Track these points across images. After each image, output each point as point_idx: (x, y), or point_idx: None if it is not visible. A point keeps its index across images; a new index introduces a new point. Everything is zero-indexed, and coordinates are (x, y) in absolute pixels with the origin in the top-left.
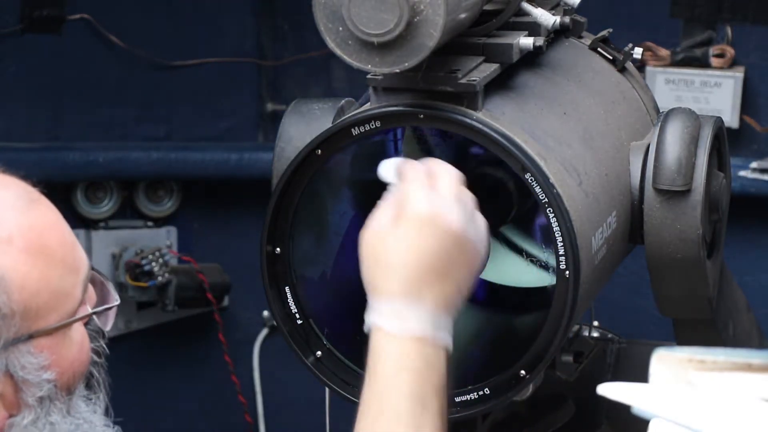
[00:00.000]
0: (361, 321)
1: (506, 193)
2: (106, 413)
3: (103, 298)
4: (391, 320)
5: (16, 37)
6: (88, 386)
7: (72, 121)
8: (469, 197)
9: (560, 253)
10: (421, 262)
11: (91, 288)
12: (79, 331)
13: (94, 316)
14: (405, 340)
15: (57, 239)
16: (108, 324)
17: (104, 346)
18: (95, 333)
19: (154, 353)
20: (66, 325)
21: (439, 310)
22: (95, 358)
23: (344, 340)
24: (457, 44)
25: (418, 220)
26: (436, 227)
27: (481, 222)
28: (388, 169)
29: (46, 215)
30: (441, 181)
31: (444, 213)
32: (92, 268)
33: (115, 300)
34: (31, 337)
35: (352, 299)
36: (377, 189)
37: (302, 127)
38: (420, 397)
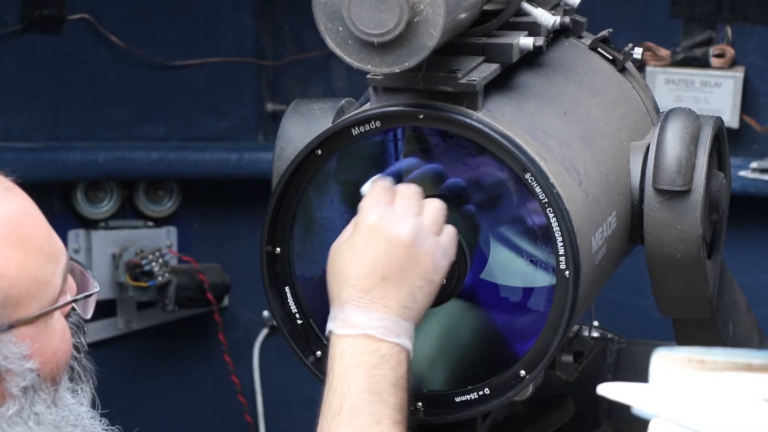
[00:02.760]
0: None
1: (506, 193)
2: (93, 406)
3: (83, 287)
4: (344, 324)
5: (16, 37)
6: (71, 379)
7: (72, 121)
8: (432, 211)
9: (560, 253)
10: (369, 269)
11: (70, 278)
12: (60, 321)
13: (74, 305)
14: (357, 339)
15: (34, 227)
16: (88, 312)
17: (83, 341)
18: (75, 327)
19: (154, 353)
20: (47, 313)
21: (391, 314)
22: (74, 353)
23: None
24: (457, 44)
25: (368, 229)
26: (384, 236)
27: (445, 237)
28: (366, 187)
29: (22, 204)
30: (399, 197)
31: (392, 224)
32: (71, 258)
33: (94, 287)
34: (11, 326)
35: None
36: None
37: (302, 127)
38: (377, 392)
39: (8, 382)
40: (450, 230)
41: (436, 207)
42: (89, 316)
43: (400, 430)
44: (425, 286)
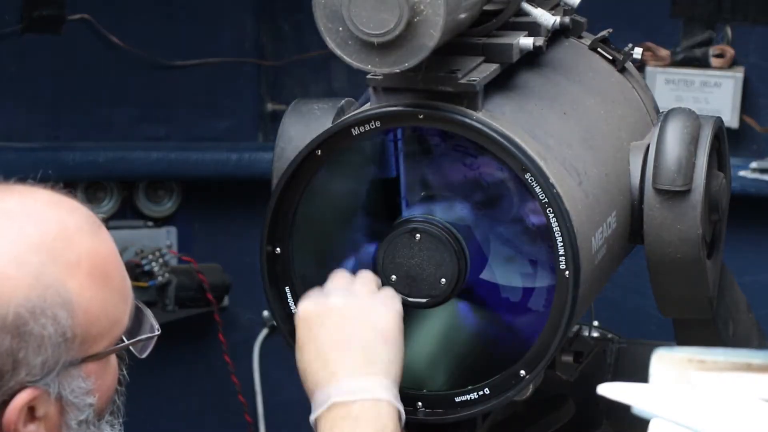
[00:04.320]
0: None
1: (506, 193)
2: None
3: (138, 325)
4: (314, 409)
5: (16, 37)
6: (111, 413)
7: (72, 121)
8: (362, 281)
9: (560, 253)
10: (317, 353)
11: None
12: (114, 358)
13: (131, 347)
14: (329, 412)
15: (116, 266)
16: (146, 352)
17: (125, 374)
18: (119, 360)
19: (153, 353)
20: (114, 351)
21: (350, 378)
22: (117, 387)
23: None
24: (457, 44)
25: (300, 321)
26: (314, 317)
27: (381, 292)
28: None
29: (108, 242)
30: (358, 282)
31: (320, 302)
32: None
33: (157, 329)
34: (83, 361)
35: None
36: (376, 189)
37: (302, 127)
38: None
39: (69, 415)
40: (385, 288)
41: (365, 275)
42: (144, 355)
43: None
44: (377, 336)
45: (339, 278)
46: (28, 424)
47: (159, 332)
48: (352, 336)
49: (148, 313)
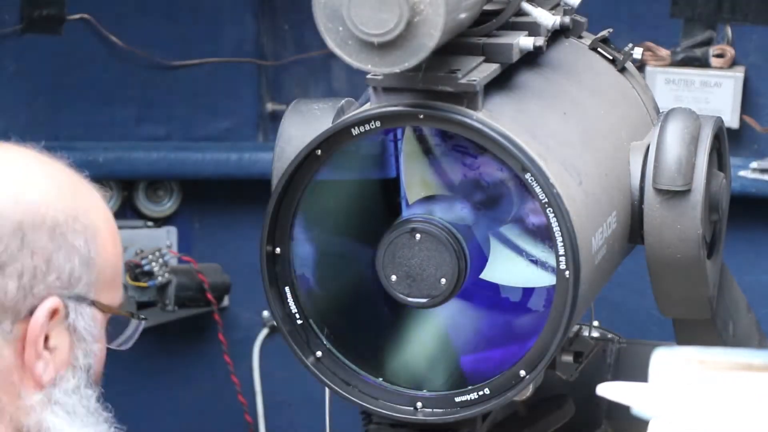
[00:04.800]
0: (361, 321)
1: (506, 193)
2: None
3: (127, 321)
4: None
5: (16, 37)
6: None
7: (72, 121)
8: None
9: (560, 253)
10: None
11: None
12: (104, 339)
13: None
14: None
15: (120, 244)
16: (129, 343)
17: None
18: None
19: (153, 353)
20: (114, 312)
21: None
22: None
23: (344, 340)
24: (457, 44)
25: None
26: None
27: None
28: None
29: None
30: None
31: None
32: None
33: (143, 317)
34: (93, 303)
35: (352, 299)
36: (376, 189)
37: (302, 127)
38: None
39: (77, 351)
40: None
41: None
42: (127, 347)
43: None
44: None
45: None
46: (43, 351)
47: (145, 320)
48: None
49: (134, 308)
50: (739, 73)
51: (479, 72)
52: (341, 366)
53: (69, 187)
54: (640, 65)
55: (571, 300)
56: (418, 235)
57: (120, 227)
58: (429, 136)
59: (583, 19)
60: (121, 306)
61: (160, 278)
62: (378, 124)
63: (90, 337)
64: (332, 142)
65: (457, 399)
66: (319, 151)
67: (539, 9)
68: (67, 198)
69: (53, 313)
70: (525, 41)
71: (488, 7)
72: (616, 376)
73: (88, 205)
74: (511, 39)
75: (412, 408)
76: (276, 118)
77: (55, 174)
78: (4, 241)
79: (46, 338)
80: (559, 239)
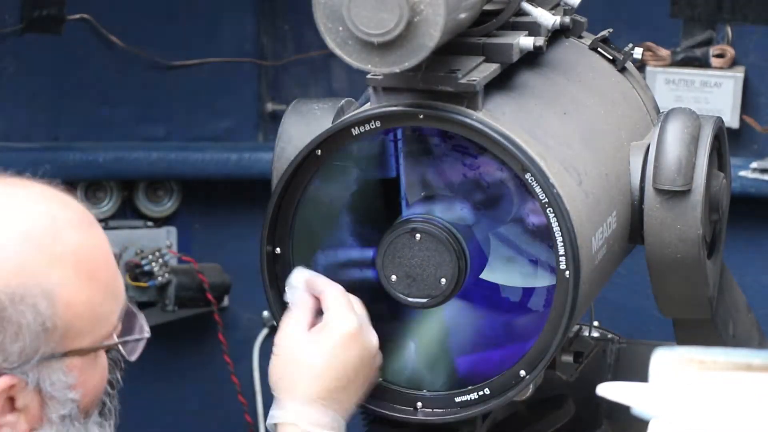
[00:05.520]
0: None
1: (506, 193)
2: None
3: (130, 328)
4: (308, 421)
5: (16, 37)
6: (101, 414)
7: (72, 121)
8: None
9: (560, 253)
10: (342, 373)
11: None
12: (104, 357)
13: (120, 345)
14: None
15: (105, 264)
16: (135, 354)
17: (119, 378)
18: (113, 363)
19: (153, 353)
20: (99, 349)
21: (343, 417)
22: (108, 389)
23: None
24: (457, 44)
25: (347, 336)
26: (361, 345)
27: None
28: (298, 276)
29: (99, 239)
30: (357, 304)
31: (366, 333)
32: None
33: (146, 332)
34: (65, 355)
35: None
36: (376, 189)
37: (302, 127)
38: None
39: (49, 408)
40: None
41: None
42: (134, 358)
43: None
44: (365, 389)
45: (339, 301)
46: (7, 413)
47: (149, 335)
48: (365, 381)
49: (141, 317)
50: (739, 73)
51: (479, 72)
52: None
53: (18, 258)
54: (640, 65)
55: (571, 300)
56: (418, 235)
57: (120, 227)
58: (429, 136)
59: (583, 19)
60: (115, 330)
61: (160, 278)
62: (378, 124)
63: (64, 390)
64: (332, 142)
65: (457, 399)
66: (319, 151)
67: (539, 9)
68: (11, 274)
69: (10, 387)
70: (525, 41)
71: (488, 7)
72: (616, 376)
73: (44, 266)
74: (511, 39)
75: (412, 408)
76: (276, 118)
77: (8, 234)
78: None
79: (13, 400)
80: (559, 239)
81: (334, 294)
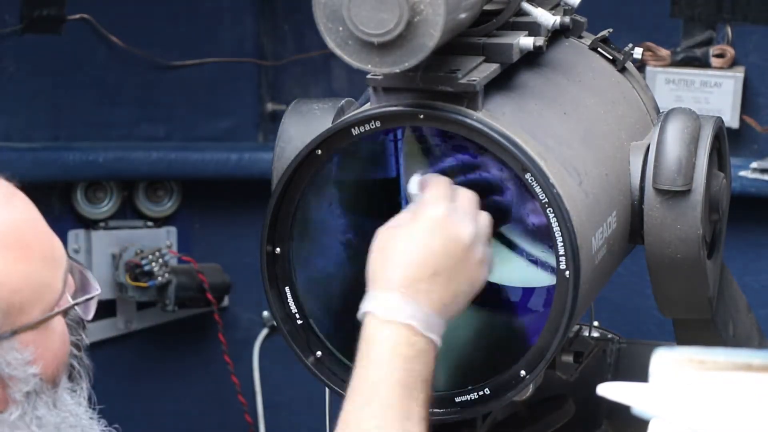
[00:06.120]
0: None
1: (506, 193)
2: (90, 404)
3: (83, 287)
4: (386, 308)
5: (16, 37)
6: (70, 378)
7: (72, 121)
8: (485, 222)
9: (560, 253)
10: (424, 261)
11: (70, 278)
12: (60, 322)
13: (76, 307)
14: (399, 328)
15: (35, 234)
16: (90, 313)
17: (84, 336)
18: (75, 324)
19: (154, 353)
20: (49, 318)
21: (434, 310)
22: (74, 351)
23: (344, 340)
24: (457, 44)
25: (431, 221)
26: (446, 232)
27: (490, 250)
28: (413, 182)
29: (22, 209)
30: (461, 196)
31: (456, 222)
32: (70, 258)
33: (96, 289)
34: (14, 332)
35: (353, 299)
36: (375, 189)
37: (302, 127)
38: (409, 387)
39: (11, 389)
40: (490, 247)
41: (486, 218)
42: (90, 317)
43: (424, 426)
44: (468, 291)
45: (467, 200)
46: None
47: (98, 291)
48: (458, 275)
49: (89, 274)
50: (739, 73)
51: (479, 72)
52: (341, 366)
53: None
54: (640, 65)
55: (571, 300)
56: None
57: (120, 227)
58: (429, 136)
59: (583, 19)
60: (65, 292)
61: (160, 278)
62: (378, 124)
63: (22, 366)
64: (332, 142)
65: (457, 399)
66: (319, 151)
67: (539, 9)
68: None
69: None
70: (525, 41)
71: (488, 7)
72: (616, 376)
73: None
74: (511, 39)
75: None
76: (276, 118)
77: None
78: None
79: None
80: (559, 239)
81: (434, 182)
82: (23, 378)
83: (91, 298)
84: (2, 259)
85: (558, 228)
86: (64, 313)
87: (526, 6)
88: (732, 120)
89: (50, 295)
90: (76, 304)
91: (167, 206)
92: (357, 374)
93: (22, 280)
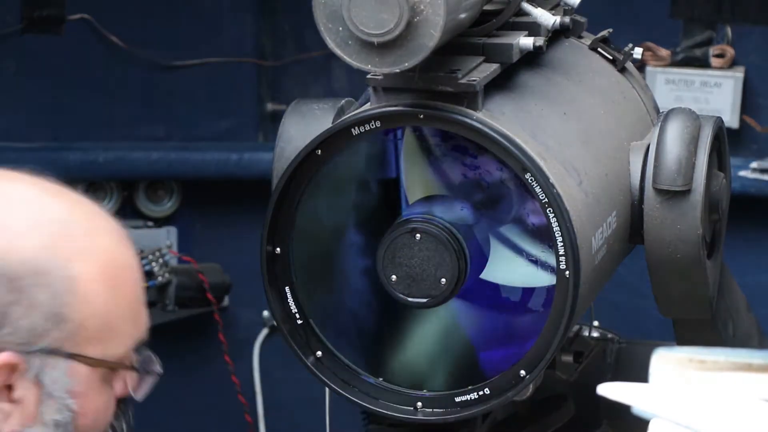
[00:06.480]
0: (361, 321)
1: (506, 193)
2: None
3: (145, 363)
4: None
5: (16, 37)
6: None
7: (72, 121)
8: None
9: (560, 253)
10: None
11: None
12: (110, 394)
13: (128, 375)
14: None
15: (132, 286)
16: (140, 392)
17: (130, 419)
18: (123, 405)
19: (154, 353)
20: (107, 364)
21: None
22: (113, 421)
23: (344, 340)
24: (457, 44)
25: None
26: None
27: None
28: None
29: (132, 259)
30: None
31: None
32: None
33: (158, 371)
34: (72, 356)
35: (353, 299)
36: (375, 189)
37: (302, 127)
38: None
39: (45, 407)
40: None
41: None
42: (140, 396)
43: None
44: None
45: None
46: (4, 401)
47: (160, 373)
48: None
49: (155, 359)
50: (739, 73)
51: (479, 72)
52: (341, 366)
53: (49, 237)
54: (640, 65)
55: (571, 300)
56: (418, 235)
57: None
58: (429, 136)
59: (583, 19)
60: (128, 355)
61: (160, 278)
62: (378, 124)
63: (63, 392)
64: (332, 142)
65: (457, 399)
66: (319, 151)
67: (539, 9)
68: (38, 249)
69: (12, 367)
70: (525, 41)
71: (488, 7)
72: (616, 376)
73: (72, 254)
74: (511, 39)
75: (412, 408)
76: (276, 118)
77: (39, 219)
78: None
79: (11, 389)
80: (559, 239)
81: None
82: (59, 404)
83: (151, 375)
84: (96, 282)
85: (558, 228)
86: (125, 367)
87: (526, 6)
88: (732, 120)
89: (116, 348)
90: (136, 369)
91: (167, 206)
92: None
93: (102, 311)
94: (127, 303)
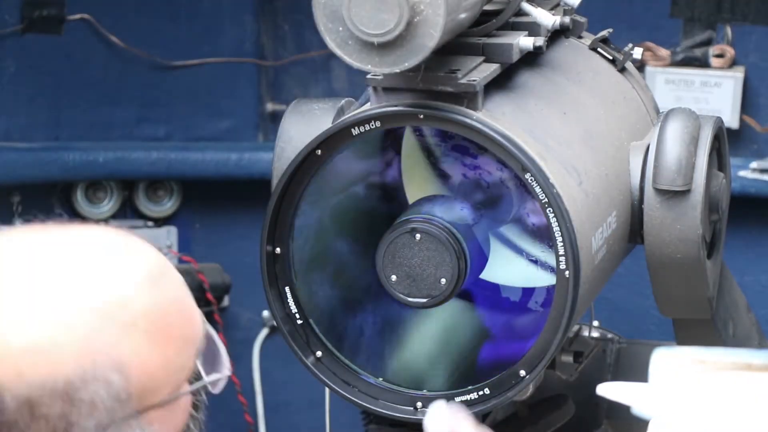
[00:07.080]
0: (361, 321)
1: (506, 193)
2: None
3: (213, 360)
4: None
5: (16, 37)
6: None
7: (72, 121)
8: None
9: (560, 253)
10: None
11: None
12: (185, 398)
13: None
14: None
15: (179, 315)
16: (217, 388)
17: (201, 420)
18: (197, 403)
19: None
20: (177, 398)
21: None
22: (193, 412)
23: (344, 340)
24: (457, 44)
25: None
26: None
27: None
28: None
29: (172, 290)
30: None
31: None
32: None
33: (227, 369)
34: (141, 412)
35: (353, 299)
36: (375, 189)
37: (302, 127)
38: None
39: None
40: None
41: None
42: (217, 392)
43: None
44: None
45: None
46: None
47: (229, 373)
48: None
49: (222, 349)
50: (739, 73)
51: (479, 72)
52: (341, 366)
53: (87, 335)
54: (640, 65)
55: (571, 300)
56: (418, 235)
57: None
58: (429, 136)
59: (583, 19)
60: (193, 367)
61: None
62: (378, 124)
63: None
64: (332, 142)
65: (457, 399)
66: (319, 151)
67: (539, 9)
68: (81, 353)
69: None
70: (525, 41)
71: (488, 7)
72: (616, 376)
73: (114, 336)
74: (511, 39)
75: (412, 408)
76: (276, 118)
77: (74, 309)
78: (11, 415)
79: None
80: (559, 239)
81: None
82: None
83: (220, 379)
84: (146, 349)
85: (558, 228)
86: (191, 384)
87: (526, 6)
88: (732, 120)
89: (183, 375)
90: (206, 384)
91: (167, 206)
92: None
93: (159, 366)
94: (180, 337)
